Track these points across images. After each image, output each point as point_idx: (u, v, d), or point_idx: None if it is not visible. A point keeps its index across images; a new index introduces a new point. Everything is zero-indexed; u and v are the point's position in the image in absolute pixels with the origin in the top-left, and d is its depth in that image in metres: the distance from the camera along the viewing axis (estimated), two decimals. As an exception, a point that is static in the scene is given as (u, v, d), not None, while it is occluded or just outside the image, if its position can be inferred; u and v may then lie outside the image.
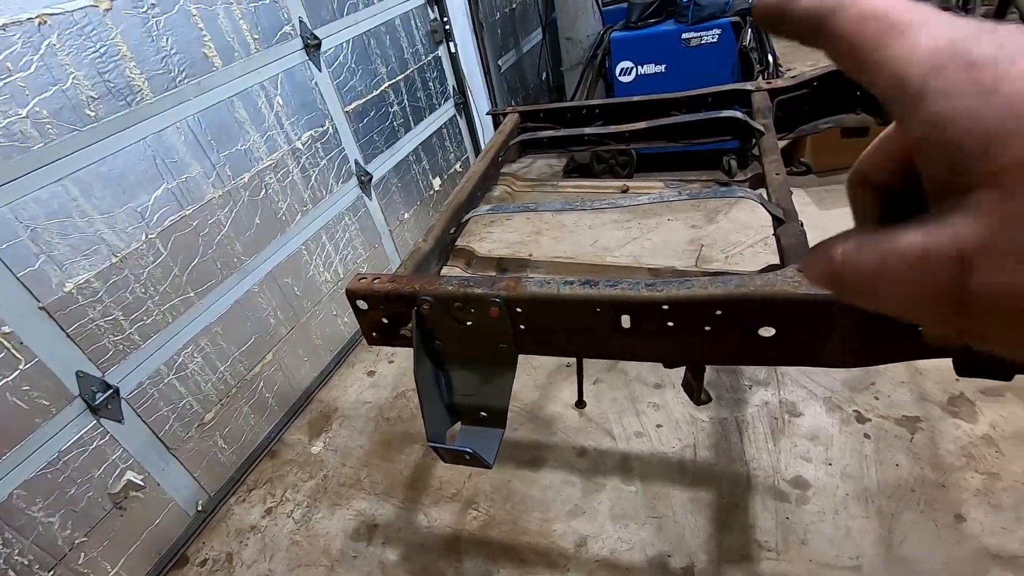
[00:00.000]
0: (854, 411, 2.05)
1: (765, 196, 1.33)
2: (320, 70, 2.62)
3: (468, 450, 0.93)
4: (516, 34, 4.65)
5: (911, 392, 2.07)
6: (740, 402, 2.17)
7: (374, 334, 1.10)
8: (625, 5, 3.51)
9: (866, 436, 1.96)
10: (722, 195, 1.62)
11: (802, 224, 1.18)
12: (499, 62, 4.33)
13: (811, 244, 0.37)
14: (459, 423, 1.05)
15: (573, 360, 2.27)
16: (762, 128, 1.69)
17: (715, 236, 3.18)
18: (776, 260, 1.14)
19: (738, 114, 1.73)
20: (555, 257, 3.37)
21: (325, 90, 2.66)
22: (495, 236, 3.74)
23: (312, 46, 2.55)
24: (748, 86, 1.92)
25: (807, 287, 0.81)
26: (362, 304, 1.06)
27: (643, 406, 2.26)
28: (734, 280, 0.85)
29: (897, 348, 0.84)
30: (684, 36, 3.30)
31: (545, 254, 3.44)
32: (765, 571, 1.67)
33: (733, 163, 3.65)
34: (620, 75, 3.56)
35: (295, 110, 2.49)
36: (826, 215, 3.15)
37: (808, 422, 2.05)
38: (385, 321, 1.07)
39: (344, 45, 2.76)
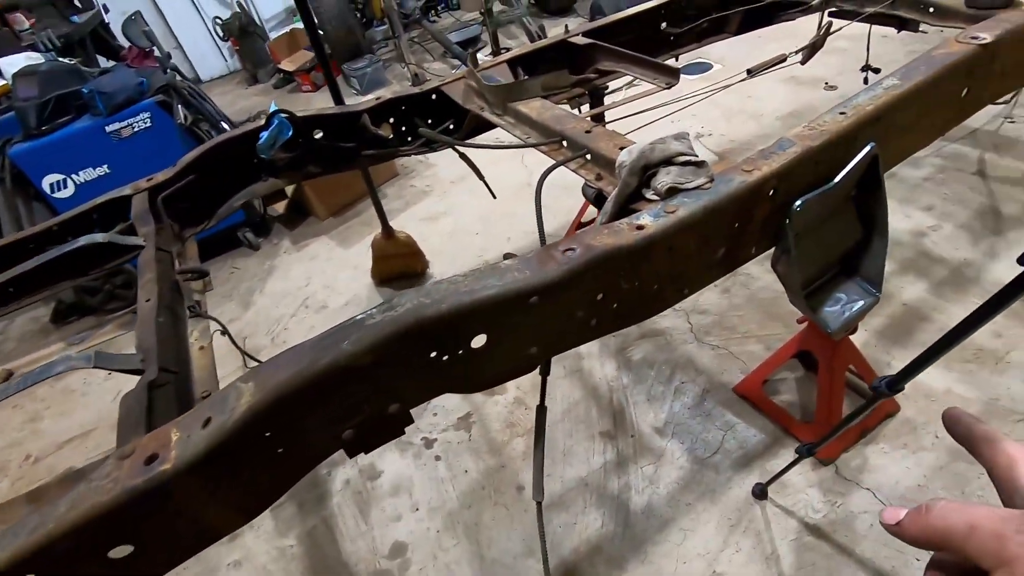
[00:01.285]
0: (422, 439, 2.08)
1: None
2: None
3: None
4: None
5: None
6: (323, 497, 1.97)
7: None
8: (12, 114, 2.80)
9: (437, 458, 2.00)
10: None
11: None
12: None
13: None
14: None
15: None
16: (140, 242, 1.42)
17: (255, 321, 2.90)
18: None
19: (99, 238, 1.41)
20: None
21: None
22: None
23: None
24: (127, 190, 1.63)
25: None
26: None
27: (221, 574, 1.85)
28: None
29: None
30: (109, 129, 2.83)
31: None
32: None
33: (250, 236, 3.42)
34: (53, 192, 2.87)
35: None
36: (349, 252, 3.22)
37: (389, 476, 1.99)
38: None
39: None
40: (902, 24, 1.86)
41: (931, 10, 1.72)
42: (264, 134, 1.61)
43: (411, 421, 0.88)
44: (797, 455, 1.48)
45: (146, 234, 1.44)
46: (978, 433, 0.41)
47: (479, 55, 5.61)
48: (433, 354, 0.83)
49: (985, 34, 1.32)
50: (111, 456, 0.74)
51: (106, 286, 3.13)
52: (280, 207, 3.63)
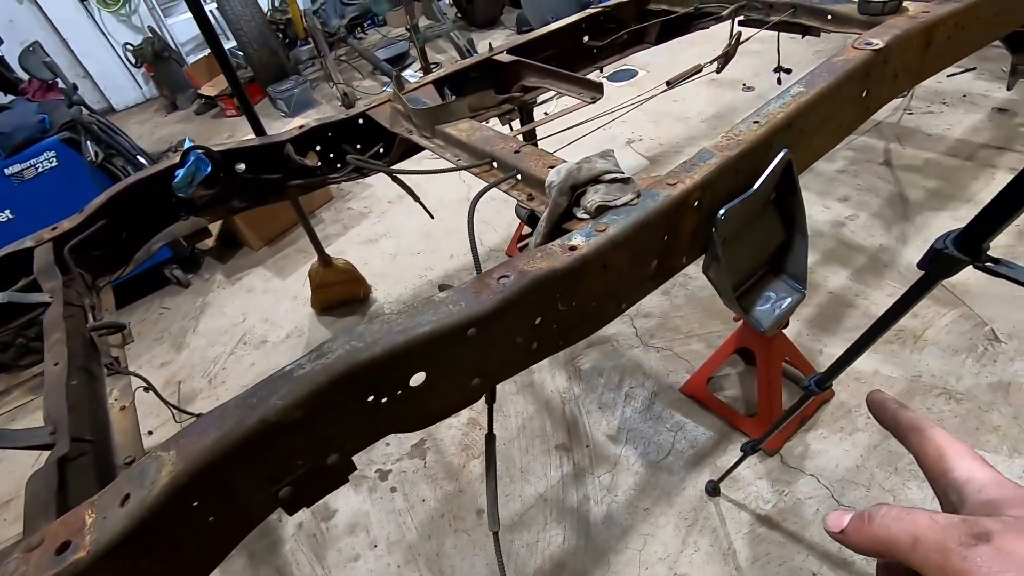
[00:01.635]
0: (376, 471, 2.02)
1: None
2: None
3: None
4: None
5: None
6: (274, 544, 1.88)
7: None
8: None
9: (393, 490, 1.95)
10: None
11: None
12: None
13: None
14: None
15: None
16: (46, 299, 1.32)
17: (190, 363, 2.75)
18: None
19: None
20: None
21: None
22: None
23: None
24: (28, 242, 1.51)
25: None
26: None
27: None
28: None
29: None
30: (8, 172, 2.62)
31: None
32: None
33: (178, 273, 3.24)
34: (-51, 242, 2.62)
35: None
36: (288, 282, 3.11)
37: (344, 515, 1.91)
38: None
39: None
40: (805, 30, 1.97)
41: (829, 18, 1.84)
42: (180, 172, 1.53)
43: (354, 468, 0.84)
44: (743, 452, 1.53)
45: (52, 289, 1.33)
46: (904, 421, 0.40)
47: (408, 71, 5.58)
48: (370, 398, 0.80)
49: (877, 40, 1.42)
50: (17, 549, 0.67)
51: (18, 340, 2.88)
52: (210, 240, 3.46)
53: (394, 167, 1.79)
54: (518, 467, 1.91)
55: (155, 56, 6.09)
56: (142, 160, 2.97)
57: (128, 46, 6.33)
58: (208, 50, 6.69)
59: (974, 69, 3.39)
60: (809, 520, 1.59)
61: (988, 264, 0.58)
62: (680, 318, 2.30)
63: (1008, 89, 2.50)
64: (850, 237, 2.49)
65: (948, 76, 3.38)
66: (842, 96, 1.36)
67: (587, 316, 1.04)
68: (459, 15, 6.59)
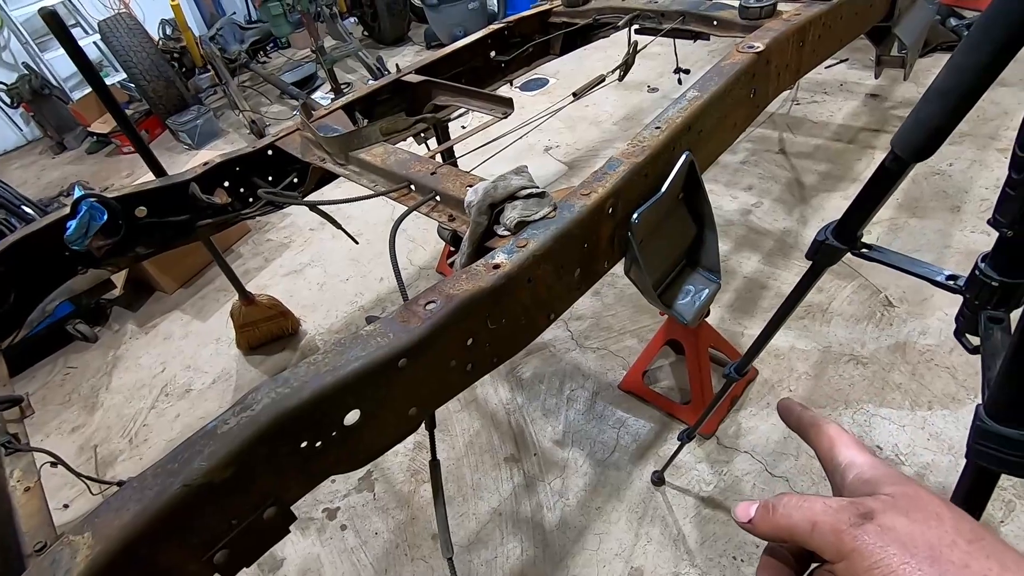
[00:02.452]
0: (324, 511, 1.94)
1: None
2: None
3: None
4: None
5: (353, 450, 2.11)
6: None
7: None
8: None
9: (343, 528, 1.88)
10: None
11: None
12: None
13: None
14: None
15: None
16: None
17: (106, 424, 2.54)
18: None
19: None
20: None
21: None
22: None
23: None
24: None
25: None
26: None
27: None
28: None
29: None
30: None
31: None
32: None
33: (83, 328, 3.00)
34: None
35: None
36: (209, 324, 2.94)
37: (294, 562, 1.83)
38: None
39: None
40: (695, 36, 2.10)
41: (715, 23, 1.96)
42: (72, 224, 1.42)
43: (293, 519, 0.81)
44: (680, 441, 1.60)
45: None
46: (805, 420, 0.44)
47: (318, 94, 5.45)
48: (303, 444, 0.77)
49: (758, 43, 1.53)
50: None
51: None
52: (116, 290, 3.22)
53: (309, 197, 1.75)
54: (470, 485, 1.90)
55: (34, 94, 5.62)
56: (28, 210, 2.73)
57: (1, 85, 5.80)
58: (95, 84, 6.23)
59: (847, 60, 3.73)
60: (748, 495, 1.68)
61: (863, 251, 0.65)
62: (612, 317, 2.37)
63: (876, 77, 2.77)
64: (757, 223, 2.66)
65: (826, 68, 3.69)
66: (732, 97, 1.46)
67: (519, 330, 1.06)
68: (366, 33, 6.51)
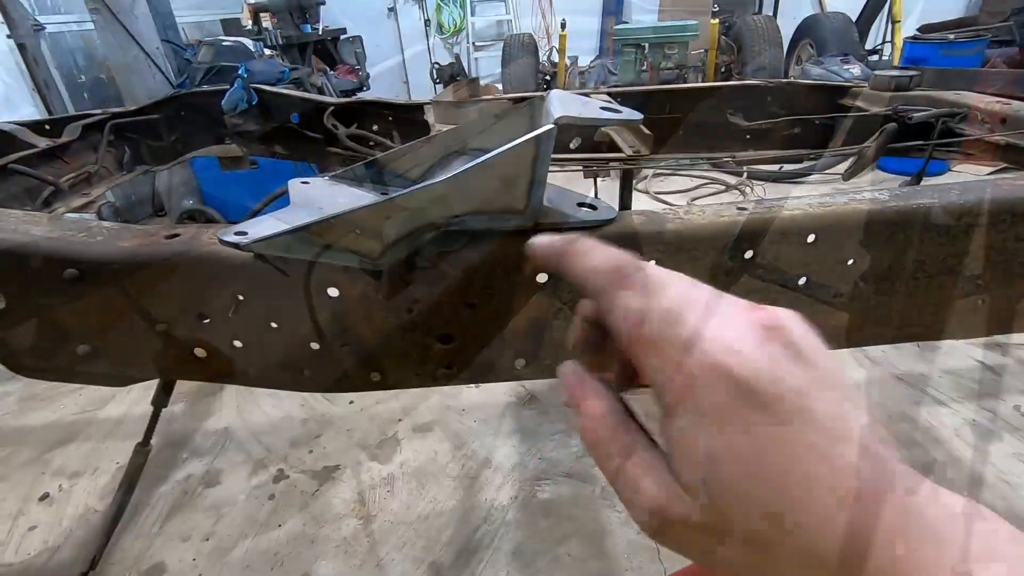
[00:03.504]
0: (278, 469, 1.81)
1: None
2: None
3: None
4: None
5: (349, 439, 1.93)
6: (157, 479, 1.80)
7: None
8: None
9: (270, 498, 1.71)
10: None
11: None
12: None
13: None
14: None
15: None
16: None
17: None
18: None
19: None
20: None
21: None
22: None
23: None
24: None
25: None
26: None
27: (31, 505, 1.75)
28: None
29: None
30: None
31: None
32: None
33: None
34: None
35: None
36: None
37: (222, 491, 1.75)
38: None
39: None
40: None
41: None
42: (227, 95, 1.60)
43: None
44: None
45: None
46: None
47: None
48: None
49: None
50: None
51: None
52: None
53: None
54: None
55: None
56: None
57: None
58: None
59: None
60: None
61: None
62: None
63: None
64: None
65: None
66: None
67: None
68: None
